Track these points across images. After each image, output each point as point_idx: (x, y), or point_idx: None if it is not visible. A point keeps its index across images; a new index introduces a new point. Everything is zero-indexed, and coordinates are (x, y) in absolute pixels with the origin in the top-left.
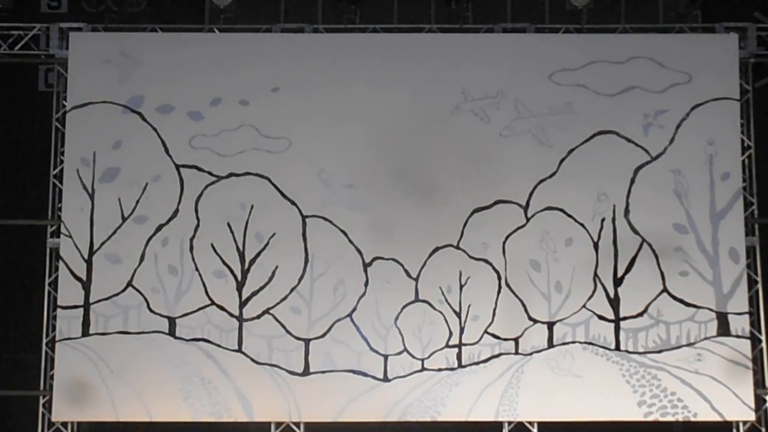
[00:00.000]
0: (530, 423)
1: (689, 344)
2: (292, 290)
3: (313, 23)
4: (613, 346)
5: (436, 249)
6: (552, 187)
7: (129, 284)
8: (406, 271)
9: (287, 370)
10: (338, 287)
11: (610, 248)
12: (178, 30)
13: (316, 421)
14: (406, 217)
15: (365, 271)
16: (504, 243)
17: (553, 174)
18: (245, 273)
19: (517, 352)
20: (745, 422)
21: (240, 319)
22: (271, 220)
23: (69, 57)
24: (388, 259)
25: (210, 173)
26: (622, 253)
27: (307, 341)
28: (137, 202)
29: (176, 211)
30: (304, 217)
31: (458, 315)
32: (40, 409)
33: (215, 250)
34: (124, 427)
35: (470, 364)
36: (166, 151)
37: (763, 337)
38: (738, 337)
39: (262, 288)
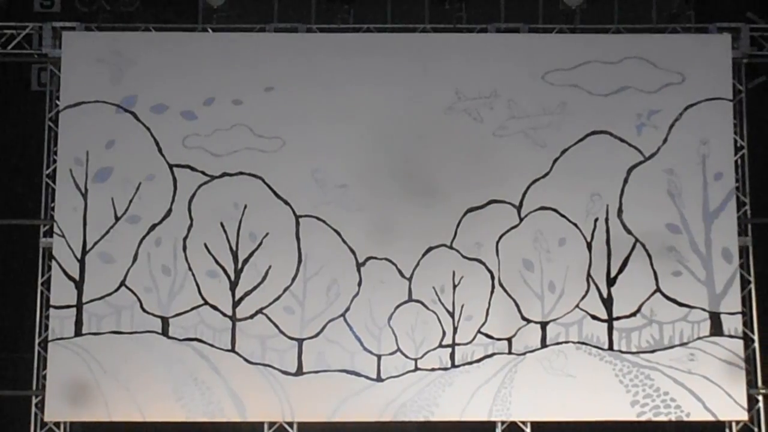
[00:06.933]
0: (523, 423)
1: (682, 344)
2: (285, 290)
3: (306, 23)
4: (606, 346)
5: (430, 249)
6: (545, 186)
7: (122, 284)
8: (400, 271)
9: (280, 370)
10: (331, 287)
11: (603, 248)
12: (171, 29)
13: (310, 420)
14: (400, 217)
15: (358, 270)
16: (497, 243)
17: (547, 174)
18: (238, 273)
19: (510, 352)
20: (737, 422)
21: (233, 318)
22: (265, 220)
23: (62, 56)
24: (381, 259)
25: (203, 173)
26: (615, 253)
27: (300, 341)
28: (130, 201)
29: (169, 211)
30: (297, 217)
31: (451, 315)
32: (33, 409)
33: (208, 249)
34: (117, 427)
35: (463, 364)
36: (160, 150)
37: (755, 337)
38: (731, 337)
39: (255, 288)
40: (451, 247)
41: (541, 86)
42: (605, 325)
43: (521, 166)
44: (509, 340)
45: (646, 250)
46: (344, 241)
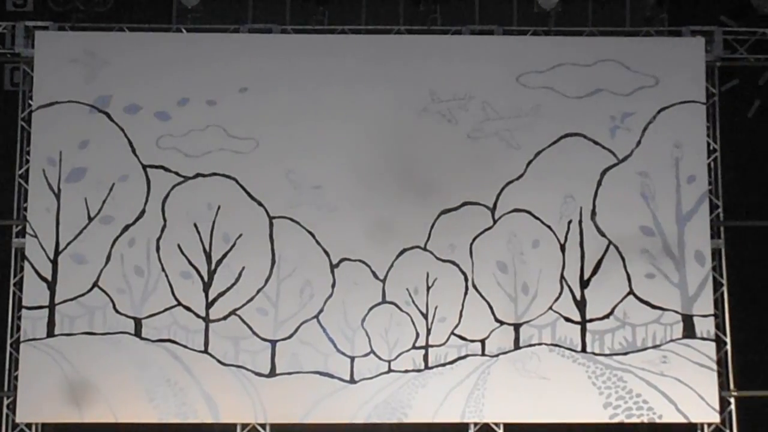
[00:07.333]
0: (496, 424)
1: (655, 346)
2: (258, 291)
3: (281, 24)
4: (579, 348)
5: (404, 250)
6: (519, 189)
7: (95, 285)
8: (373, 273)
9: (253, 372)
10: (305, 288)
11: (576, 250)
12: (145, 30)
13: (283, 422)
14: (374, 219)
15: (332, 272)
16: (471, 244)
17: (521, 176)
18: (212, 274)
19: (483, 354)
20: (709, 424)
21: (206, 320)
22: (238, 221)
23: (35, 56)
24: (355, 261)
25: (177, 173)
26: (589, 255)
27: (273, 342)
28: (104, 202)
29: (143, 212)
30: (271, 218)
31: (425, 316)
32: (4, 410)
33: (182, 250)
34: (89, 428)
35: (437, 366)
36: (133, 151)
37: (728, 340)
38: (703, 339)
39: (228, 289)
40: (425, 249)
41: (515, 88)
42: (578, 327)
43: (495, 168)
44: (482, 341)
45: (620, 253)
46: (318, 243)
